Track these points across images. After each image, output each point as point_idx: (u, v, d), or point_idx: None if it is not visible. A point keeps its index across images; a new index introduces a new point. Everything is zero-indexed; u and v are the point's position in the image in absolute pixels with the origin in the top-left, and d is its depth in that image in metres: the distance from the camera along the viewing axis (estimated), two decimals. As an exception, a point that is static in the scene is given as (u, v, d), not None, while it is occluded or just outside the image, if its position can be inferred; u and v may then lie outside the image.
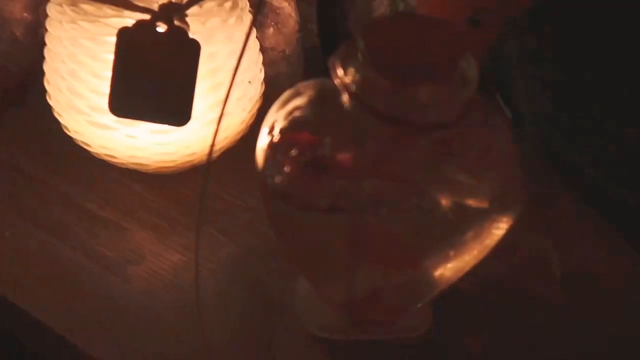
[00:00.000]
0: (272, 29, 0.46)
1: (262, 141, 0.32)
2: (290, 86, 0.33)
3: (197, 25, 0.38)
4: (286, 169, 0.31)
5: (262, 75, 0.44)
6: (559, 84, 0.36)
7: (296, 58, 0.47)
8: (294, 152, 0.31)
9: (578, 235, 0.39)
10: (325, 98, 0.32)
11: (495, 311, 0.39)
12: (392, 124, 0.30)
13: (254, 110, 0.44)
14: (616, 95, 0.35)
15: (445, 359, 0.37)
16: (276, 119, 0.32)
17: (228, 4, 0.40)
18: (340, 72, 0.30)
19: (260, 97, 0.44)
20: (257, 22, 0.46)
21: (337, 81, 0.30)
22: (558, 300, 0.38)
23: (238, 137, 0.44)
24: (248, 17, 0.42)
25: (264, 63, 0.45)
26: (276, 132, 0.32)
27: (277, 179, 0.31)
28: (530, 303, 0.39)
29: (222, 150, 0.44)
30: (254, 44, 0.43)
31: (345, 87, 0.30)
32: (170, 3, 0.37)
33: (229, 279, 0.40)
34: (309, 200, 0.31)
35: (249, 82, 0.43)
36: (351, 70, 0.30)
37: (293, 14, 0.46)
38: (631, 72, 0.35)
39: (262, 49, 0.45)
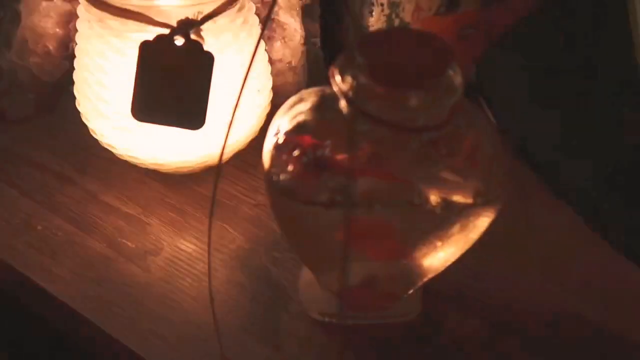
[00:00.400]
0: (279, 42, 0.46)
1: (269, 142, 0.33)
2: (295, 94, 0.34)
3: (211, 39, 0.38)
4: (290, 167, 0.31)
5: (270, 85, 0.45)
6: (535, 93, 0.36)
7: (301, 69, 0.48)
8: (296, 152, 0.31)
9: (551, 226, 0.39)
10: (326, 104, 0.33)
11: (479, 294, 0.39)
12: (385, 127, 0.30)
13: (263, 116, 0.44)
14: (587, 101, 0.36)
15: (434, 341, 0.37)
16: (281, 122, 0.33)
17: (239, 20, 0.40)
18: (338, 80, 0.30)
19: (269, 104, 0.44)
20: (266, 37, 0.46)
21: (335, 88, 0.31)
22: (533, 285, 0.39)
23: (248, 140, 0.44)
24: (257, 32, 0.42)
25: (272, 73, 0.45)
26: (281, 134, 0.32)
27: (282, 177, 0.32)
28: (509, 286, 0.39)
29: (233, 152, 0.44)
30: (263, 56, 0.44)
31: (343, 93, 0.30)
32: (187, 19, 0.37)
33: (238, 268, 0.40)
34: (310, 196, 0.31)
35: (258, 90, 0.43)
36: (348, 78, 0.30)
37: (298, 29, 0.47)
38: (601, 82, 0.36)
39: (271, 61, 0.45)
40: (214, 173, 0.41)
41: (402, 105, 0.30)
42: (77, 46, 0.41)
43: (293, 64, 0.47)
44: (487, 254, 0.39)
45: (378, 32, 0.40)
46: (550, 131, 0.36)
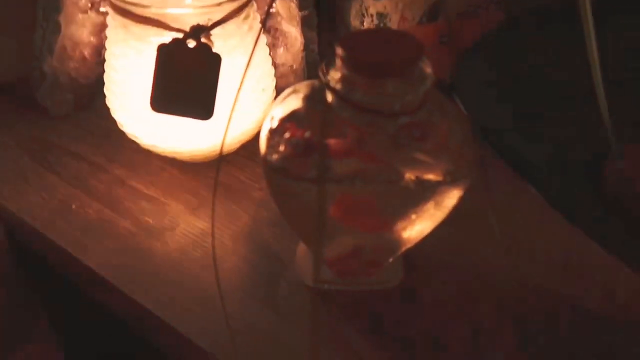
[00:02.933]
0: (282, 48, 0.47)
1: (265, 127, 0.33)
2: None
3: (220, 42, 0.38)
4: (281, 148, 0.31)
5: (273, 84, 0.45)
6: (499, 89, 0.36)
7: (301, 71, 0.48)
8: (287, 135, 0.31)
9: (514, 203, 0.39)
10: (315, 94, 0.33)
11: (453, 265, 0.39)
12: (365, 112, 0.30)
13: (267, 112, 0.44)
14: (544, 97, 0.35)
15: (412, 306, 0.37)
16: (276, 110, 0.33)
17: (245, 27, 0.41)
18: (325, 72, 0.31)
19: (272, 101, 0.44)
20: (271, 44, 0.46)
21: (323, 80, 0.31)
22: (500, 258, 0.38)
23: (253, 133, 0.44)
24: (261, 38, 0.42)
25: (276, 75, 0.45)
26: (275, 120, 0.32)
27: (275, 156, 0.32)
28: (478, 258, 0.39)
29: (240, 143, 0.44)
30: (267, 59, 0.44)
31: (329, 84, 0.30)
32: (199, 25, 0.38)
33: (244, 242, 0.40)
34: (300, 173, 0.31)
35: (263, 89, 0.43)
36: (333, 71, 0.31)
37: (299, 37, 0.47)
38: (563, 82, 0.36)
39: (274, 64, 0.46)
40: (218, 157, 0.42)
41: (379, 93, 0.30)
42: (106, 51, 0.42)
43: (294, 67, 0.47)
44: (459, 230, 0.39)
45: (359, 31, 0.40)
46: (512, 120, 0.35)
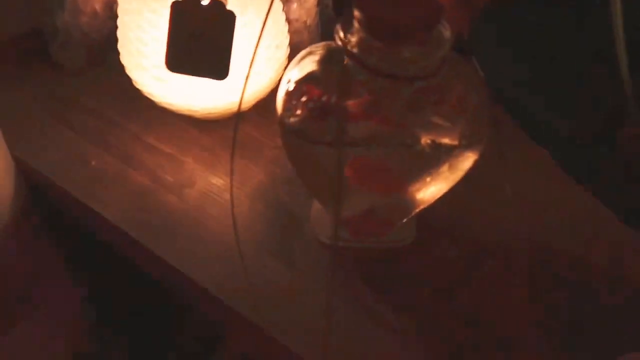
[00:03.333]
0: (296, 3, 0.45)
1: (282, 90, 0.33)
2: (307, 49, 0.34)
3: (234, 0, 0.38)
4: (298, 111, 0.31)
5: (287, 41, 0.44)
6: (517, 50, 0.36)
7: (315, 27, 0.47)
8: (304, 98, 0.31)
9: (529, 170, 0.39)
10: (331, 56, 0.32)
11: (465, 225, 0.39)
12: (382, 77, 0.30)
13: (281, 70, 0.44)
14: (561, 57, 0.35)
15: (426, 262, 0.38)
16: (292, 72, 0.33)
17: (259, -17, 0.40)
18: (341, 35, 0.30)
19: (286, 58, 0.44)
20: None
21: (339, 43, 0.30)
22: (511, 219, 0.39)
23: (268, 90, 0.44)
24: (276, -6, 0.41)
25: (289, 31, 0.44)
26: (292, 82, 0.32)
27: (292, 120, 0.32)
28: (489, 218, 0.40)
29: (256, 101, 0.44)
30: (280, 15, 0.43)
31: (344, 47, 0.30)
32: (212, -18, 0.37)
33: (259, 199, 0.41)
34: (316, 136, 0.32)
35: (277, 46, 0.43)
36: (350, 34, 0.30)
37: (313, -8, 0.46)
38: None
39: (288, 20, 0.45)
40: (235, 116, 0.42)
41: (396, 57, 0.30)
42: (119, 7, 0.41)
43: (308, 23, 0.46)
44: (472, 191, 0.39)
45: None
46: (527, 82, 0.35)
